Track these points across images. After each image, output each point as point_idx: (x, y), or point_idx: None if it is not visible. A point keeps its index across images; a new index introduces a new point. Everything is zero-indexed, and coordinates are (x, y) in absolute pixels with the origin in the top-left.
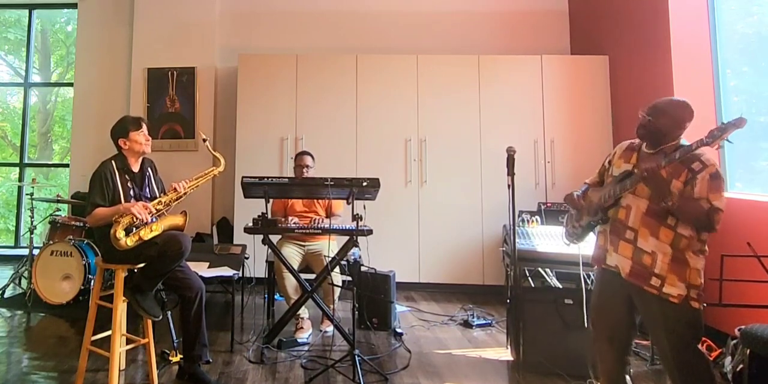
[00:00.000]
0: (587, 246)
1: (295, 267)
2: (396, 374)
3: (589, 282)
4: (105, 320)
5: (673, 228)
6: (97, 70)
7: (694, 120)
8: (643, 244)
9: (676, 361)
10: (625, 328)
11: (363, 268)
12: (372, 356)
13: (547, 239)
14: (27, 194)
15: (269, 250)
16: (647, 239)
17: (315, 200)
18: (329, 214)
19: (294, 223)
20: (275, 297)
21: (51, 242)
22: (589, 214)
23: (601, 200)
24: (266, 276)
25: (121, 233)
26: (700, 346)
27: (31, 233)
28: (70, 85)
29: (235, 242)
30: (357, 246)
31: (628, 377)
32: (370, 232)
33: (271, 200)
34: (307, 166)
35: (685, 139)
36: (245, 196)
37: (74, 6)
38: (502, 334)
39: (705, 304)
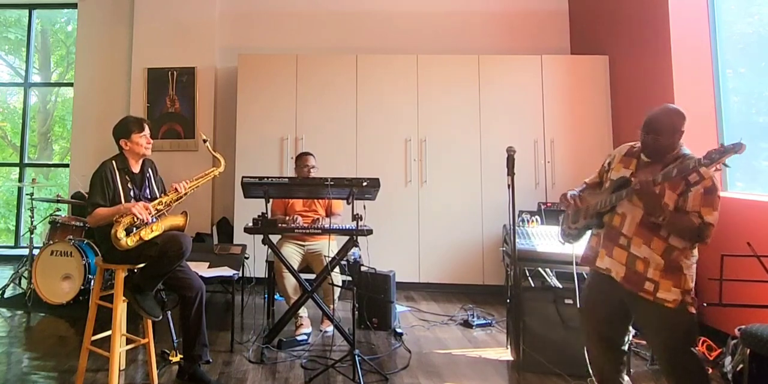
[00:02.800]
0: (583, 245)
1: (295, 267)
2: (396, 374)
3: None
4: (105, 320)
5: (666, 239)
6: (97, 70)
7: (692, 121)
8: (636, 250)
9: (671, 363)
10: (617, 328)
11: (363, 268)
12: (372, 356)
13: (547, 239)
14: (27, 194)
15: (269, 250)
16: (640, 247)
17: (315, 200)
18: (329, 213)
19: (299, 221)
20: (275, 297)
21: (51, 242)
22: (585, 217)
23: (597, 206)
24: (266, 276)
25: (121, 233)
26: (695, 348)
27: (31, 233)
28: (70, 85)
29: (235, 242)
30: (357, 246)
31: (627, 378)
32: (370, 232)
33: (270, 200)
34: (313, 167)
35: (684, 146)
36: (245, 196)
37: (74, 6)
38: (502, 334)
39: (705, 304)
